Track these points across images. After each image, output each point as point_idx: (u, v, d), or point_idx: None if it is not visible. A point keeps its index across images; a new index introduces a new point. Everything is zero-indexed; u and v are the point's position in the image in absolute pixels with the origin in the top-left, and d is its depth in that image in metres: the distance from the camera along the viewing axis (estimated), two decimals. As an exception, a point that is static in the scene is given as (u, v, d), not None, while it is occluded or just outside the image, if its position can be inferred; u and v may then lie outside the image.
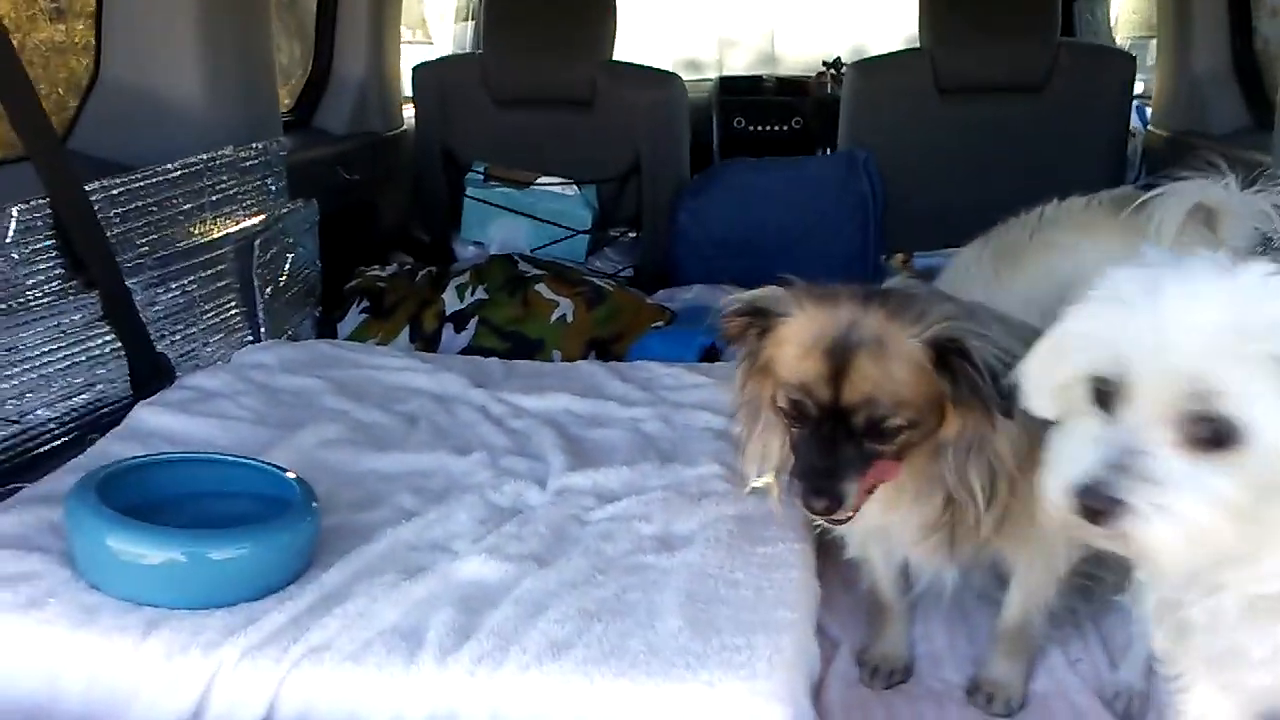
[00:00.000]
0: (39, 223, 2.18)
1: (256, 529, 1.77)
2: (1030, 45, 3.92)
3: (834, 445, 1.53)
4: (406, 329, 3.28)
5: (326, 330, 3.29)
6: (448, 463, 2.25)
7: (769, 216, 3.97)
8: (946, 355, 1.52)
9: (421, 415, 2.51)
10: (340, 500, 2.06)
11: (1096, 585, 1.77)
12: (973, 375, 1.49)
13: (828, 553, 1.94)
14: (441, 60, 4.79)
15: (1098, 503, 1.05)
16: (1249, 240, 2.16)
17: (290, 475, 1.94)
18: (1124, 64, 3.99)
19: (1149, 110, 4.22)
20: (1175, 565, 1.08)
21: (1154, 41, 5.24)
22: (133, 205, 2.44)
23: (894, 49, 5.19)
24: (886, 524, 1.68)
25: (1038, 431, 1.31)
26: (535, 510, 2.04)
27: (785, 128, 5.21)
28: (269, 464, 2.00)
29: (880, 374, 1.51)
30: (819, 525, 1.84)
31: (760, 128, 5.21)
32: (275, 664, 1.59)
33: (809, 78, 5.35)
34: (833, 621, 1.93)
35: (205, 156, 2.67)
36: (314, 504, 1.87)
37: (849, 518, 1.57)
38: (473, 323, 3.27)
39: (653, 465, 2.20)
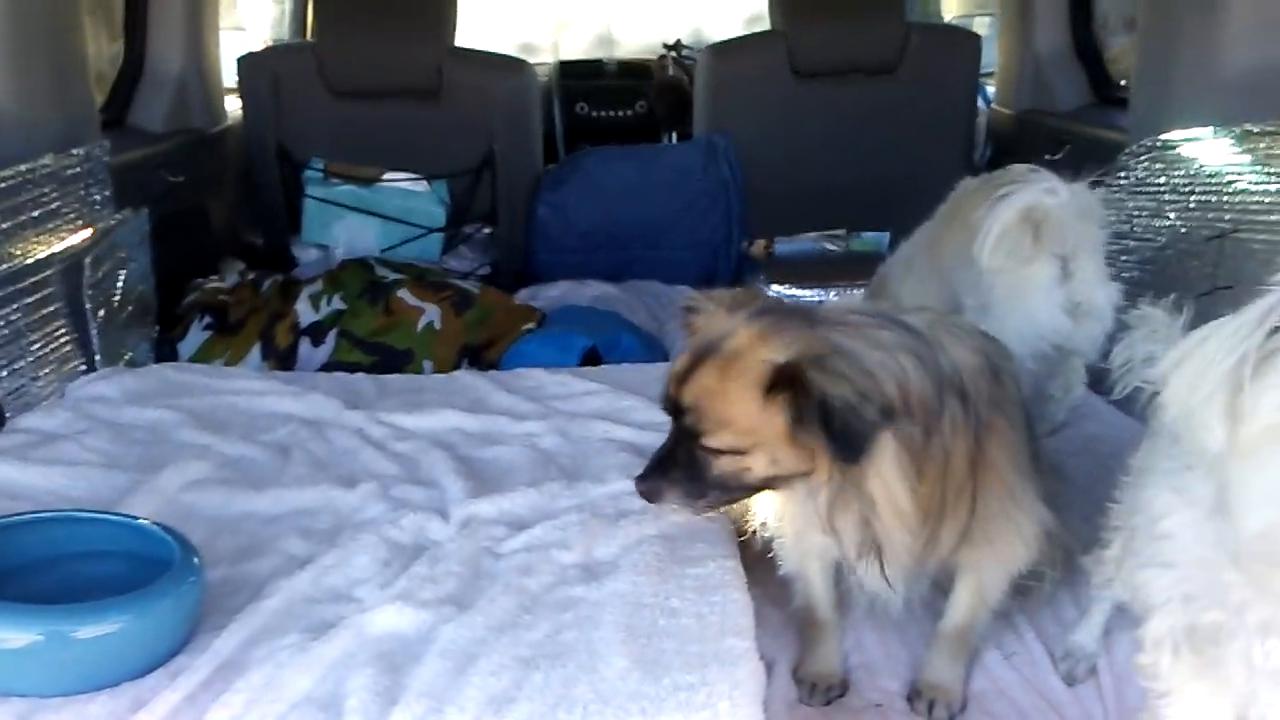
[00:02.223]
0: None
1: (135, 597, 1.55)
2: (880, 26, 3.95)
3: (674, 444, 1.56)
4: (258, 346, 3.04)
5: (166, 354, 3.00)
6: (334, 497, 2.07)
7: (631, 207, 3.89)
8: (789, 387, 1.44)
9: (294, 444, 2.31)
10: (220, 550, 1.87)
11: (1038, 584, 1.75)
12: (804, 411, 1.41)
13: (751, 568, 1.86)
14: (270, 49, 4.48)
15: None
16: (1081, 241, 2.19)
17: (161, 529, 1.72)
18: (971, 44, 4.06)
19: (990, 89, 4.32)
20: None
21: (978, 19, 5.41)
22: (-56, 228, 2.13)
23: (734, 32, 5.18)
24: (830, 543, 1.61)
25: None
26: (442, 546, 1.88)
27: (630, 112, 5.12)
28: (136, 518, 1.77)
29: (714, 387, 1.50)
30: (751, 540, 1.77)
31: (604, 113, 5.11)
32: (175, 754, 1.40)
33: (650, 60, 5.27)
34: (766, 640, 1.85)
35: (23, 168, 2.36)
36: (195, 560, 1.67)
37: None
38: (331, 335, 3.05)
39: (559, 485, 2.07)
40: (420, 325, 3.07)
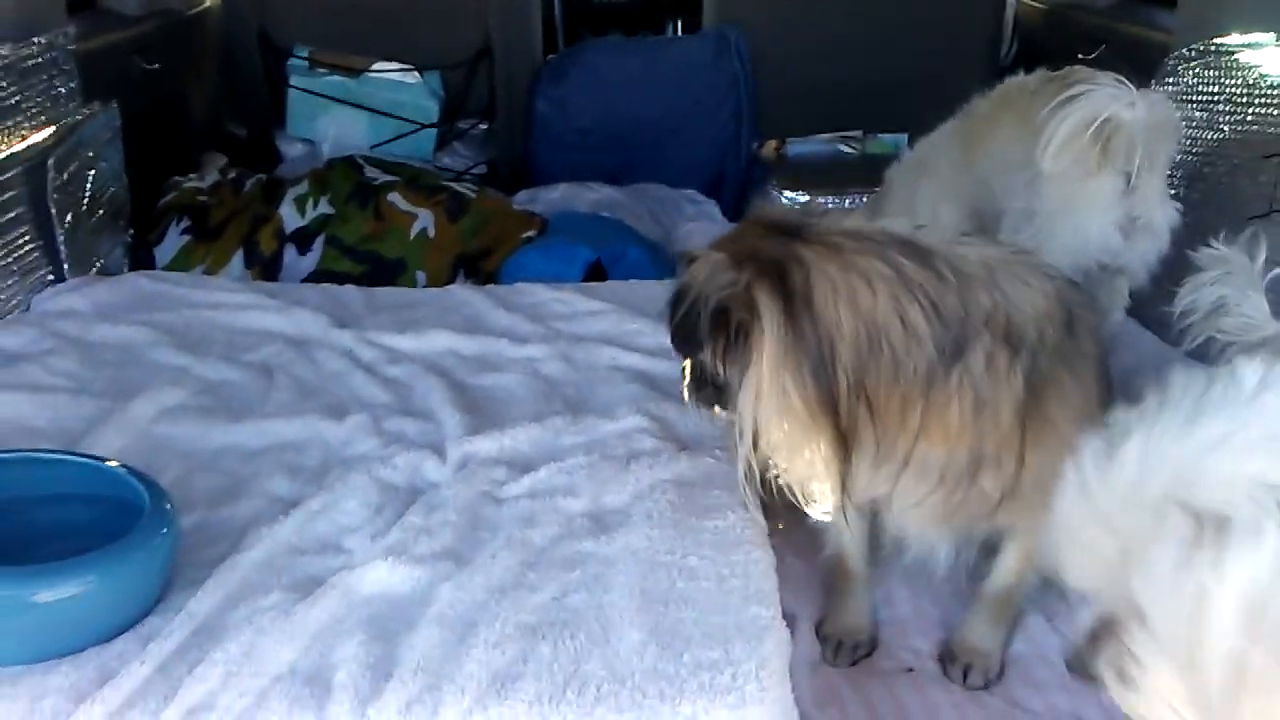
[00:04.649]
0: None
1: (102, 555, 1.40)
2: (903, -88, 3.66)
3: None
4: (240, 252, 2.84)
5: (142, 259, 2.81)
6: (321, 430, 1.92)
7: (636, 103, 3.66)
8: None
9: (278, 366, 2.14)
10: (196, 492, 1.72)
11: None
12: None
13: (773, 513, 1.71)
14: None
15: None
16: (1151, 157, 2.01)
17: (130, 472, 1.57)
18: (1000, -70, 3.78)
19: (1017, -19, 4.04)
20: None
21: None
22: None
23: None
24: (875, 491, 1.47)
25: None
26: (439, 490, 1.73)
27: (633, -1, 4.82)
28: (101, 459, 1.61)
29: None
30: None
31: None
32: (146, 734, 1.27)
33: (656, -58, 4.94)
34: (787, 594, 1.71)
35: (-25, 59, 2.14)
36: (168, 507, 1.51)
37: None
38: (318, 242, 2.85)
39: (564, 420, 1.92)
40: (413, 233, 2.87)
